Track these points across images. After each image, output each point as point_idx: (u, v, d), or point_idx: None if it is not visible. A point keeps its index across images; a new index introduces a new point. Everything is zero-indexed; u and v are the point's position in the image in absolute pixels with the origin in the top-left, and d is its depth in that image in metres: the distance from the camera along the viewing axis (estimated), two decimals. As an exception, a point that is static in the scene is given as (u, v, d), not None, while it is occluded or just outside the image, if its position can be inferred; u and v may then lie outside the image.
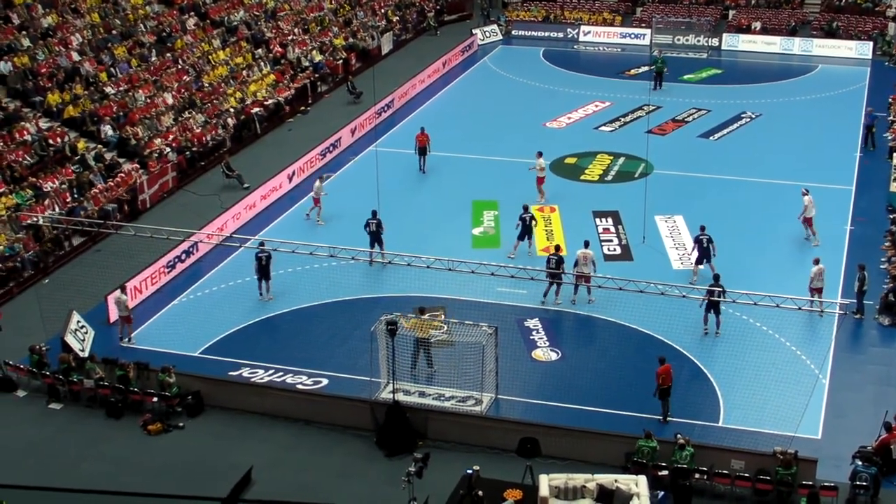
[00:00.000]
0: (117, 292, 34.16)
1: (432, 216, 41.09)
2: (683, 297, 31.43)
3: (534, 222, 38.46)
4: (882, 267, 36.58)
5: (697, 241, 36.20)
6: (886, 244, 38.04)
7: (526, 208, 38.61)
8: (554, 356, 32.85)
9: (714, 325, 33.37)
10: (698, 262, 36.17)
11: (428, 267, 33.87)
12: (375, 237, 37.67)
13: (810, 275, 34.22)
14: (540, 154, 42.99)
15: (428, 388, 30.53)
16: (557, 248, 36.53)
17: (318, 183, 42.04)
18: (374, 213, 37.65)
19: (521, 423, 28.81)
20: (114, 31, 52.43)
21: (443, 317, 32.52)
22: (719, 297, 31.65)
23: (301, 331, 34.40)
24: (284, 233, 39.21)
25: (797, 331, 32.60)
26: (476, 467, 25.64)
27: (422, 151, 45.94)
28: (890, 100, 51.84)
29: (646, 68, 59.03)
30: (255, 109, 51.50)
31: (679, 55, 62.69)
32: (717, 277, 33.36)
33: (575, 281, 35.16)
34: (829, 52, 63.66)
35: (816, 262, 34.41)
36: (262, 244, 35.98)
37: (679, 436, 27.29)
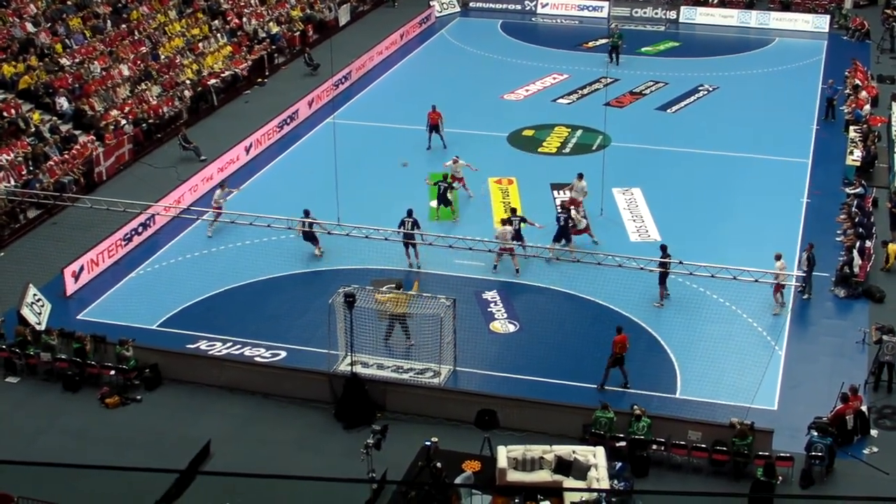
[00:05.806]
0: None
1: (390, 188, 40.99)
2: (641, 269, 31.62)
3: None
4: (837, 239, 36.82)
5: (557, 219, 36.65)
6: (842, 216, 38.30)
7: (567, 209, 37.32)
8: (512, 328, 32.93)
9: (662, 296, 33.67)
10: (556, 239, 36.19)
11: (385, 239, 33.93)
12: (409, 239, 35.59)
13: (776, 270, 32.71)
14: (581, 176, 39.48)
15: (386, 360, 30.53)
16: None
17: (219, 190, 39.78)
18: (410, 212, 35.91)
19: (479, 395, 28.90)
20: (69, 2, 51.81)
21: (415, 291, 31.77)
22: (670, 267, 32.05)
23: (259, 303, 34.29)
24: (241, 205, 38.99)
25: (753, 303, 32.74)
26: (434, 439, 25.72)
27: (434, 129, 45.52)
28: (846, 73, 52.10)
29: (604, 41, 59.07)
30: (212, 81, 51.13)
31: (637, 28, 62.72)
32: (664, 248, 33.34)
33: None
34: (786, 25, 63.83)
35: (778, 257, 33.07)
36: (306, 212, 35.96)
37: (636, 407, 27.48)
